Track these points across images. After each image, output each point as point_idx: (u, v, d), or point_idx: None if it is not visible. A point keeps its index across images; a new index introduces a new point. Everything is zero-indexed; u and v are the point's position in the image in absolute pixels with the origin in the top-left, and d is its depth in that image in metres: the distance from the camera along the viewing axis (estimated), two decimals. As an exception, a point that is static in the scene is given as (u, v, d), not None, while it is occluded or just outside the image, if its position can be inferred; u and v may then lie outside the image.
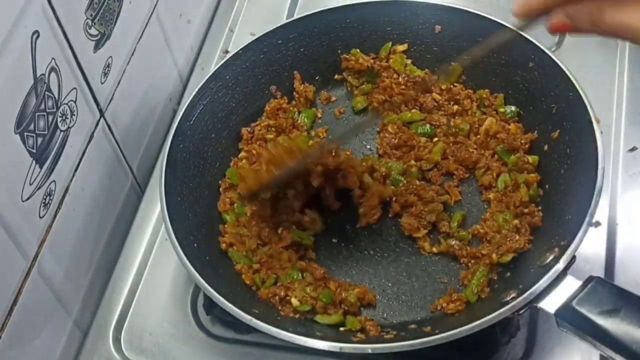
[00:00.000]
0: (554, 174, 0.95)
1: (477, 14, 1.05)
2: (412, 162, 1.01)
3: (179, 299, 0.99)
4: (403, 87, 1.06)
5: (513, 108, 1.03)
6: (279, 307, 0.90)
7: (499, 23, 1.03)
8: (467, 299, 0.89)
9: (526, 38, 1.00)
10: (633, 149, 1.05)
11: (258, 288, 0.92)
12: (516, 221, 0.93)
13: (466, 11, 1.05)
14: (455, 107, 1.05)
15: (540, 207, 0.94)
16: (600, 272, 0.94)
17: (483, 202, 0.98)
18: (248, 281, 0.93)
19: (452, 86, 1.07)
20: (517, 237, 0.91)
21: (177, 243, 0.89)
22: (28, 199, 0.83)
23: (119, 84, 1.01)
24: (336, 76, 1.11)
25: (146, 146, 1.12)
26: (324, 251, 0.97)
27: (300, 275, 0.92)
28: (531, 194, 0.95)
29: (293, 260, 0.94)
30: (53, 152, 0.87)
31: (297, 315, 0.89)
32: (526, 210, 0.94)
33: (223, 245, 0.95)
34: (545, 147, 0.98)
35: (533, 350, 0.91)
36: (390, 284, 0.93)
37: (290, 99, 1.10)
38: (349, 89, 1.11)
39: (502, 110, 1.03)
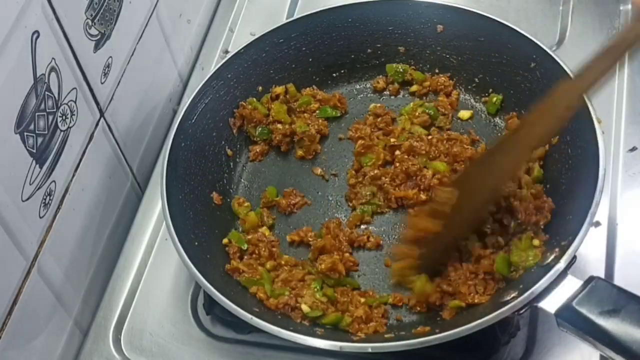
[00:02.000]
0: (555, 173, 0.95)
1: (479, 14, 1.05)
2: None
3: (179, 299, 0.99)
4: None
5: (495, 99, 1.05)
6: (290, 315, 0.89)
7: (500, 23, 1.03)
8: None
9: (527, 37, 1.00)
10: (633, 149, 1.05)
11: (268, 298, 0.91)
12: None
13: (468, 11, 1.06)
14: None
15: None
16: (600, 272, 0.94)
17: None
18: (261, 294, 0.91)
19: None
20: (537, 215, 0.91)
21: (177, 241, 0.89)
22: (28, 199, 0.83)
23: (119, 84, 1.01)
24: (334, 74, 1.12)
25: (146, 146, 1.12)
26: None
27: (320, 286, 0.91)
28: (535, 174, 0.96)
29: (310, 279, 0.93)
30: (53, 152, 0.87)
31: (306, 322, 0.89)
32: (533, 191, 0.93)
33: (227, 267, 0.94)
34: (547, 147, 0.98)
35: (533, 350, 0.91)
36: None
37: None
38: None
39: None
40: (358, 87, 1.13)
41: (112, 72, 0.98)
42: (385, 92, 1.12)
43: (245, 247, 0.96)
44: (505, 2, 1.23)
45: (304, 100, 1.08)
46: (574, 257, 0.82)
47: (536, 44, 1.00)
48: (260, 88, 1.08)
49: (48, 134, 0.85)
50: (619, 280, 0.94)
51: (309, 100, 1.08)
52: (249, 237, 0.97)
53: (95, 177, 0.99)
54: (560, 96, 0.83)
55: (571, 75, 0.94)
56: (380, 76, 1.12)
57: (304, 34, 1.09)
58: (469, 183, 0.90)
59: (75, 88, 0.90)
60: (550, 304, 0.79)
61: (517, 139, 0.87)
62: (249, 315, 0.84)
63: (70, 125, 0.90)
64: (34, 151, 0.83)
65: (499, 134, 1.05)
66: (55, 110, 0.86)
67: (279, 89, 1.08)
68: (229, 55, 1.06)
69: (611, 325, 0.75)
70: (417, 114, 1.07)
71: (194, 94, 1.02)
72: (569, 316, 0.77)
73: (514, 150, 0.87)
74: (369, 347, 0.82)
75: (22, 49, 0.79)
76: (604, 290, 0.78)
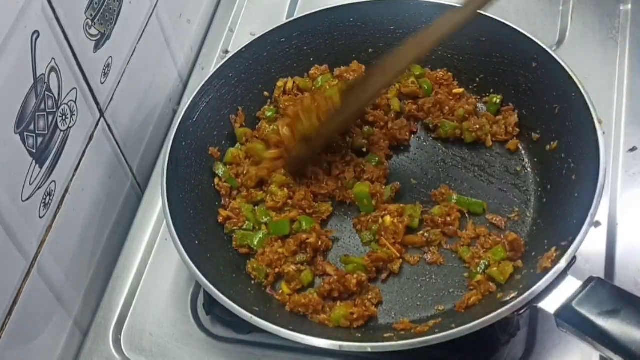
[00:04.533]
0: (555, 174, 0.95)
1: (480, 14, 1.04)
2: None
3: (179, 299, 0.99)
4: None
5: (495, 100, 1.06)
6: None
7: (502, 22, 1.03)
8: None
9: (529, 37, 1.00)
10: (633, 149, 1.05)
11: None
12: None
13: (469, 10, 1.05)
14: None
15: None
16: (600, 272, 0.94)
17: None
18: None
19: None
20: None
21: (178, 240, 0.89)
22: (28, 199, 0.83)
23: (119, 84, 1.01)
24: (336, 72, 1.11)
25: (146, 146, 1.12)
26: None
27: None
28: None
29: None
30: (53, 152, 0.87)
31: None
32: (510, 238, 0.92)
33: (220, 219, 0.97)
34: (547, 148, 0.98)
35: (533, 350, 0.91)
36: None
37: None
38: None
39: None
40: (359, 87, 1.13)
41: (112, 72, 0.98)
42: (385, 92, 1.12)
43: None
44: (505, 2, 1.23)
45: (325, 79, 1.08)
46: (574, 258, 0.82)
47: (537, 44, 1.00)
48: (266, 93, 1.09)
49: (48, 134, 0.85)
50: (619, 280, 0.94)
51: (328, 77, 1.08)
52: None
53: (95, 177, 0.99)
54: (447, 21, 0.93)
55: (569, 72, 0.96)
56: (382, 75, 1.12)
57: (305, 33, 1.09)
58: (356, 89, 0.97)
59: (75, 88, 0.90)
60: (550, 304, 0.80)
61: (404, 52, 0.96)
62: (249, 315, 0.84)
63: (70, 125, 0.90)
64: (34, 151, 0.83)
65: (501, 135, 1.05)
66: (55, 110, 0.86)
67: (289, 83, 1.09)
68: (230, 54, 1.06)
69: (611, 325, 0.75)
70: (407, 83, 1.07)
71: (196, 92, 1.02)
72: (568, 317, 0.78)
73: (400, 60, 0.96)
74: (368, 346, 0.83)
75: (22, 49, 0.79)
76: (604, 291, 0.78)
